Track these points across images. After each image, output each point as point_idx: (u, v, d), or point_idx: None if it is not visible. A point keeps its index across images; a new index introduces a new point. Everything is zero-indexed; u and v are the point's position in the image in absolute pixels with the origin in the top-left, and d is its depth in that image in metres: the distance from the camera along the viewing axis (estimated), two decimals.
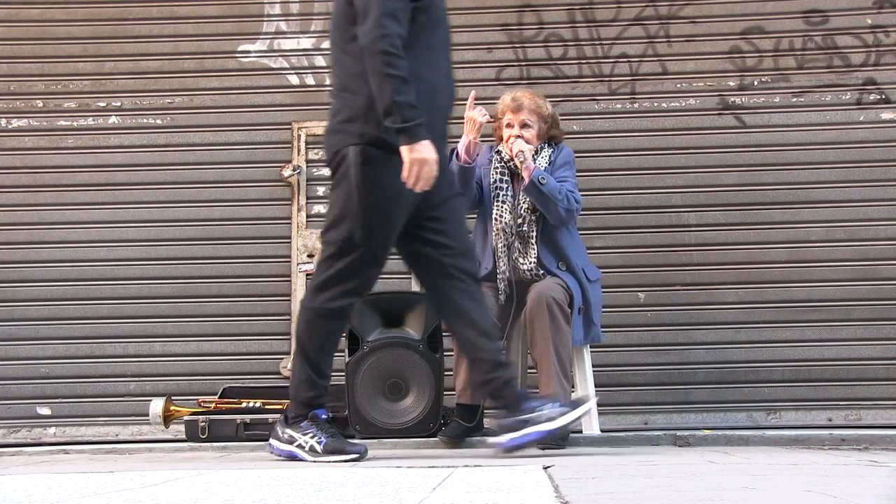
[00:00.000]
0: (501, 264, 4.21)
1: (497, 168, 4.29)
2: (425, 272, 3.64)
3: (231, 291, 5.15)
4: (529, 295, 4.12)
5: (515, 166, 4.21)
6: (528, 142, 4.23)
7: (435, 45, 3.48)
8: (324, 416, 3.53)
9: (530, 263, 4.20)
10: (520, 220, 4.22)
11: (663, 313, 5.03)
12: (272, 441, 3.57)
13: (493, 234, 4.23)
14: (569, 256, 4.22)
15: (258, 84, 5.26)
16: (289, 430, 3.51)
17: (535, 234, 4.21)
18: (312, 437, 3.45)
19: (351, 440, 3.63)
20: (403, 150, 3.29)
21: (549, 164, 4.24)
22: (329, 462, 3.37)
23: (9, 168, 5.26)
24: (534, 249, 4.20)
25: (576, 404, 3.59)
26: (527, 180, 4.11)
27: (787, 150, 5.09)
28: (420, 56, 3.38)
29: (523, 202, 4.23)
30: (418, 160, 3.28)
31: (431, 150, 3.30)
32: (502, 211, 4.23)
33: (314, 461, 3.41)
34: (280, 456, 3.53)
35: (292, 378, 3.59)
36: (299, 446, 3.47)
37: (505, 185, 4.27)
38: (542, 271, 4.20)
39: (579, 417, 3.58)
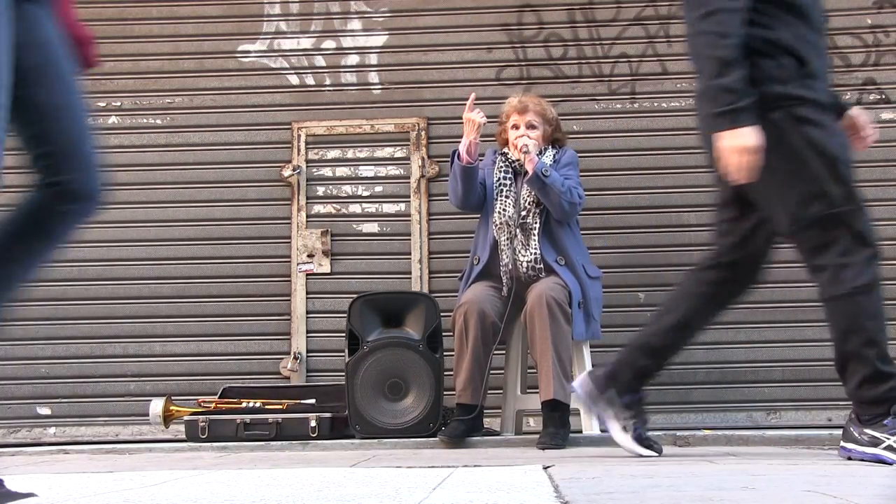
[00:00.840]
0: (504, 257, 4.26)
1: (501, 168, 4.37)
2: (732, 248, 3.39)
3: (231, 291, 5.15)
4: (530, 294, 4.14)
5: (521, 166, 4.27)
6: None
7: (803, 4, 3.20)
8: None
9: (531, 256, 4.23)
10: (523, 213, 4.26)
11: None
12: (848, 445, 3.09)
13: (496, 228, 4.29)
14: (569, 252, 4.26)
15: (258, 84, 5.26)
16: (869, 431, 3.03)
17: (537, 226, 4.26)
18: None
19: None
20: (720, 136, 2.99)
21: (554, 163, 4.30)
22: None
23: (9, 168, 5.24)
24: (535, 242, 4.23)
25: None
26: (531, 172, 4.17)
27: None
28: (790, 21, 3.16)
29: (527, 196, 4.29)
30: (737, 148, 2.96)
31: (754, 136, 2.95)
32: (506, 205, 4.29)
33: None
34: (863, 460, 3.03)
35: (848, 382, 3.15)
36: (888, 447, 2.97)
37: (508, 182, 4.34)
38: (541, 265, 4.22)
39: (639, 456, 3.46)
